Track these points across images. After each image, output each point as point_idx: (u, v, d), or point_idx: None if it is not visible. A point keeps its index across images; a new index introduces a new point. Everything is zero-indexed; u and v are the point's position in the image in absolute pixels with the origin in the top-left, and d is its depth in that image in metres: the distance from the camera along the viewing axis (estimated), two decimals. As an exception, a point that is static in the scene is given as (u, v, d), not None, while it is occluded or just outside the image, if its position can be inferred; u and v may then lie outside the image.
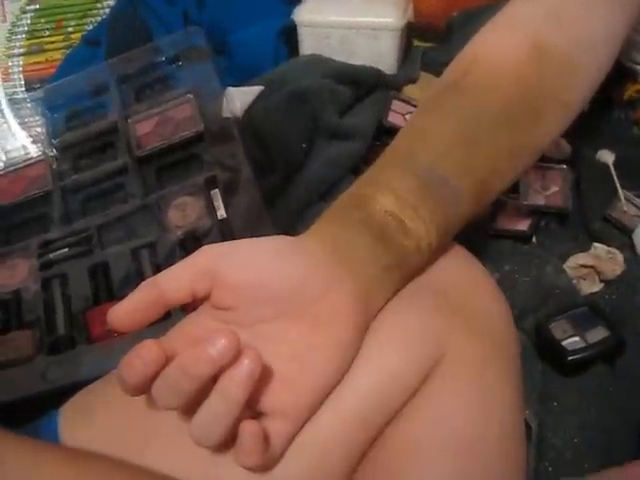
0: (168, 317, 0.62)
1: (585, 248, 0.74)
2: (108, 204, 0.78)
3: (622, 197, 0.78)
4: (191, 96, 0.80)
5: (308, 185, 0.76)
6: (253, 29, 0.89)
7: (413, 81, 0.88)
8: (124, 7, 0.92)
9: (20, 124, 0.90)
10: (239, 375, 0.42)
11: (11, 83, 0.94)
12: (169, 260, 0.72)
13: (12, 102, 0.93)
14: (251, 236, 0.66)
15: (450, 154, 0.55)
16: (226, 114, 0.79)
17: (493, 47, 0.61)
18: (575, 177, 0.81)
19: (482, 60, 0.60)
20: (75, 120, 0.85)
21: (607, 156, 0.82)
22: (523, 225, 0.77)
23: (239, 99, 0.81)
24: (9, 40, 0.95)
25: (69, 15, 0.96)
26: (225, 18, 0.90)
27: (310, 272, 0.47)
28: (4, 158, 0.85)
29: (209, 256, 0.48)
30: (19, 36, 0.95)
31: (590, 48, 0.62)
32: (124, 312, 0.45)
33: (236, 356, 0.43)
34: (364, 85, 0.83)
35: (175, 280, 0.47)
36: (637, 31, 0.86)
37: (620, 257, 0.72)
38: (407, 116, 0.84)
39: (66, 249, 0.75)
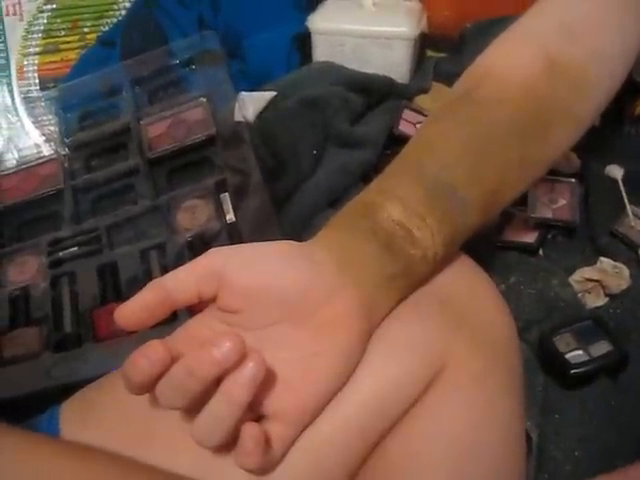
0: (175, 318, 0.63)
1: (591, 262, 0.74)
2: (118, 204, 0.78)
3: (630, 212, 0.78)
4: (204, 100, 0.81)
5: (318, 192, 0.76)
6: (267, 35, 0.90)
7: (425, 91, 0.89)
8: (140, 9, 0.93)
9: (34, 123, 0.90)
10: (243, 378, 0.43)
11: (26, 82, 0.95)
12: (177, 262, 0.72)
13: (26, 100, 0.93)
14: (259, 240, 0.67)
15: (459, 164, 0.55)
16: (238, 118, 0.80)
17: (505, 60, 0.61)
18: (583, 191, 0.82)
19: (494, 72, 0.60)
20: (88, 120, 0.85)
21: (616, 171, 0.82)
22: (530, 237, 0.77)
23: (251, 104, 0.82)
24: (25, 39, 0.96)
25: (85, 15, 0.97)
26: (239, 23, 0.91)
27: (315, 278, 0.48)
28: (17, 156, 0.86)
29: (216, 258, 0.48)
30: (35, 35, 0.96)
31: (603, 61, 0.62)
32: (131, 311, 0.46)
33: (241, 359, 0.43)
34: (376, 94, 0.84)
35: (182, 281, 0.47)
36: (649, 47, 0.86)
37: (626, 272, 0.72)
38: (418, 125, 0.85)
39: (76, 248, 0.75)
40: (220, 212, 0.75)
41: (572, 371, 0.63)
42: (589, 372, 0.63)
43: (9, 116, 0.90)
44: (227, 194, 0.75)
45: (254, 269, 0.48)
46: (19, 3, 0.95)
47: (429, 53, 1.01)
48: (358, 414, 0.48)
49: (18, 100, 0.93)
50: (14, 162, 0.84)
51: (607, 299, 0.71)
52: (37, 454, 0.45)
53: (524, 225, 0.78)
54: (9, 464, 0.43)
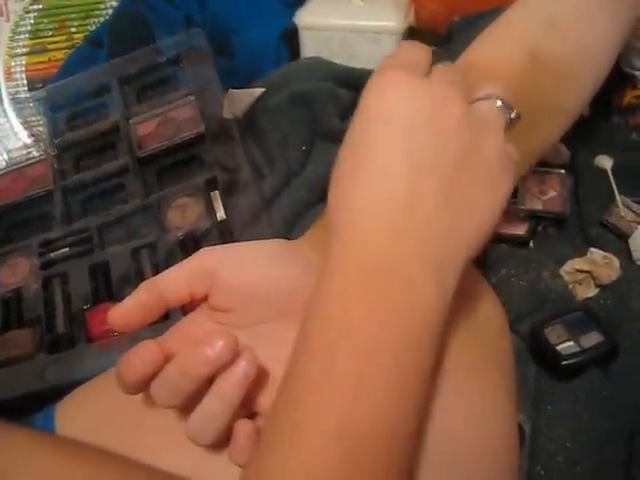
0: (167, 317, 0.63)
1: (582, 253, 0.74)
2: (109, 204, 0.79)
3: (620, 203, 0.78)
4: (192, 97, 0.81)
5: (308, 187, 0.76)
6: (255, 31, 0.90)
7: (413, 85, 0.89)
8: (127, 8, 0.93)
9: (22, 123, 0.90)
10: (235, 376, 0.44)
11: (14, 82, 0.95)
12: (169, 260, 0.72)
13: (14, 101, 0.93)
14: (250, 237, 0.67)
15: None
16: (227, 115, 0.80)
17: (490, 53, 0.61)
18: (573, 182, 0.82)
19: (479, 66, 0.60)
20: (77, 120, 0.86)
21: (605, 161, 0.82)
22: (521, 229, 0.77)
23: (240, 101, 0.82)
24: (12, 40, 0.95)
25: (72, 15, 0.97)
26: (227, 20, 0.91)
27: (304, 276, 0.48)
28: (6, 157, 0.86)
29: (207, 258, 0.49)
30: (22, 36, 0.95)
31: (587, 55, 0.63)
32: (124, 312, 0.46)
33: (233, 357, 0.44)
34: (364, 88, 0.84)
35: (174, 281, 0.48)
36: (637, 37, 0.87)
37: (616, 262, 0.72)
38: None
39: (67, 248, 0.75)
40: (211, 210, 0.75)
41: (563, 362, 0.63)
42: (580, 363, 0.63)
43: (-2, 117, 0.90)
44: (217, 192, 0.75)
45: (245, 268, 0.48)
46: (5, 4, 0.95)
47: (417, 47, 1.01)
48: None
49: (6, 101, 0.93)
50: (3, 164, 0.84)
51: (597, 290, 0.71)
52: (32, 449, 0.45)
53: (514, 217, 0.78)
54: (5, 461, 0.43)
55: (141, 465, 0.48)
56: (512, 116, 0.46)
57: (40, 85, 0.93)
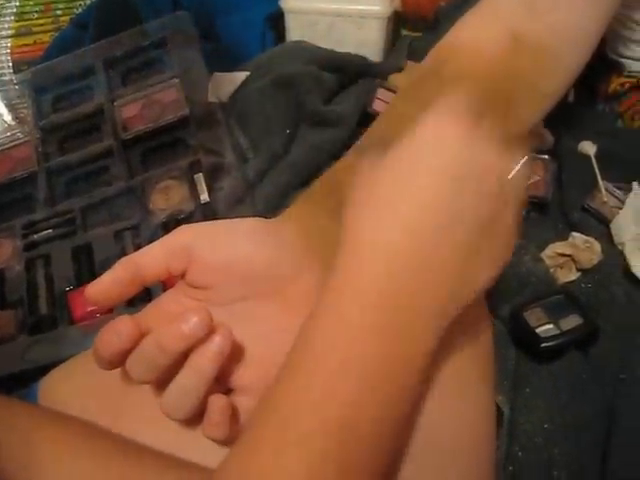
0: (149, 298, 0.64)
1: (564, 237, 0.75)
2: (93, 186, 0.78)
3: (602, 188, 0.78)
4: (177, 80, 0.81)
5: (291, 170, 0.76)
6: (241, 15, 0.90)
7: (399, 70, 0.89)
8: (113, -10, 0.92)
9: (7, 105, 0.90)
10: (210, 350, 0.44)
11: (-1, 65, 0.94)
12: (151, 242, 0.72)
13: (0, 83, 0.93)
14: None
15: None
16: (211, 99, 0.80)
17: (471, 36, 0.61)
18: (557, 167, 0.82)
19: (461, 48, 0.60)
20: (62, 102, 0.85)
21: (589, 147, 0.82)
22: (503, 214, 0.77)
23: (225, 84, 0.82)
24: (-3, 22, 0.95)
25: (58, -3, 0.96)
26: (213, 3, 0.91)
27: (282, 255, 0.49)
28: (-10, 139, 0.85)
29: (185, 235, 0.49)
30: (7, 18, 0.95)
31: (568, 38, 0.63)
32: (102, 287, 0.47)
33: (208, 333, 0.44)
34: (349, 72, 0.84)
35: (152, 257, 0.48)
36: (623, 24, 0.87)
37: (597, 247, 0.72)
38: (392, 104, 0.85)
39: (50, 230, 0.75)
40: (194, 192, 0.75)
41: (542, 345, 0.63)
42: (559, 346, 0.63)
43: (-18, 99, 0.90)
44: (201, 174, 0.75)
45: (222, 245, 0.48)
46: (-10, -14, 0.94)
47: (404, 33, 1.01)
48: None
49: (-9, 83, 0.93)
50: (-12, 145, 0.84)
51: (579, 274, 0.71)
52: (18, 418, 0.46)
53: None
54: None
55: (123, 439, 0.49)
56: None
57: (25, 67, 0.93)
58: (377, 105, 0.84)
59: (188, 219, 0.73)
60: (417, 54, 0.92)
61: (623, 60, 0.90)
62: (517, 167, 0.44)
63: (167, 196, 0.75)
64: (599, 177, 0.79)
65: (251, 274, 0.48)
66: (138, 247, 0.73)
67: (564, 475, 0.57)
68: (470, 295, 0.43)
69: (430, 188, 0.42)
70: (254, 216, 0.70)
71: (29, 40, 0.95)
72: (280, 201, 0.75)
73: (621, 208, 0.76)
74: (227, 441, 0.47)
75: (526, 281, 0.70)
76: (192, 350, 0.45)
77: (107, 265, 0.71)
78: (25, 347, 0.68)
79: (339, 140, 0.78)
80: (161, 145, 0.79)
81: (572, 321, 0.65)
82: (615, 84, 0.91)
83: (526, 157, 0.45)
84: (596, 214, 0.77)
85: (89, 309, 0.69)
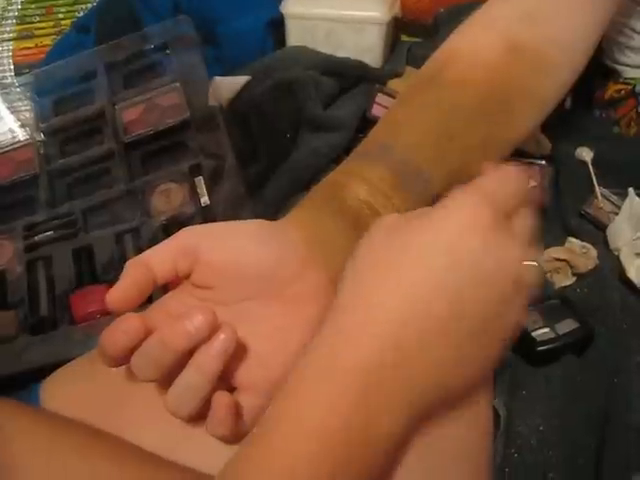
0: (150, 301, 0.65)
1: (561, 242, 0.75)
2: (94, 189, 0.79)
3: (599, 194, 0.79)
4: (178, 84, 0.81)
5: (292, 175, 0.77)
6: (242, 20, 0.90)
7: (398, 75, 0.90)
8: (115, -5, 0.93)
9: (8, 108, 0.90)
10: (215, 349, 0.45)
11: (0, 68, 0.95)
12: (152, 245, 0.72)
13: (0, 87, 0.93)
14: (233, 223, 0.68)
15: (424, 146, 0.57)
16: (212, 103, 0.80)
17: (469, 44, 0.62)
18: (554, 173, 0.83)
19: (459, 56, 0.62)
20: (63, 105, 0.86)
21: (586, 153, 0.83)
22: (500, 218, 0.78)
23: (225, 89, 0.82)
24: (-1, 25, 0.96)
25: (60, 2, 0.97)
26: (214, 9, 0.91)
27: (285, 255, 0.50)
28: (-9, 141, 0.86)
29: (190, 236, 0.50)
30: (9, 21, 0.96)
31: (565, 46, 0.64)
32: (122, 292, 0.47)
33: (213, 332, 0.45)
34: (349, 77, 0.85)
35: (160, 258, 0.49)
36: (619, 31, 0.88)
37: (594, 252, 0.73)
38: (391, 109, 0.85)
39: (51, 232, 0.76)
40: (194, 196, 0.75)
41: (538, 348, 0.64)
42: (555, 349, 0.64)
43: (-16, 102, 0.90)
44: (202, 178, 0.76)
45: (226, 246, 0.49)
46: (-8, -11, 0.95)
47: (403, 38, 1.02)
48: None
49: (-7, 86, 0.93)
50: (-12, 148, 0.84)
51: (575, 278, 0.72)
52: (15, 421, 0.46)
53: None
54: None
55: (124, 443, 0.49)
56: None
57: (27, 71, 0.93)
58: (376, 110, 0.85)
59: (188, 222, 0.74)
60: (416, 60, 0.93)
61: (619, 67, 0.91)
62: (533, 263, 0.45)
63: (167, 199, 0.75)
64: (596, 183, 0.80)
65: (255, 274, 0.49)
66: (139, 249, 0.73)
67: (558, 477, 0.58)
68: (458, 385, 0.44)
69: (446, 271, 0.41)
70: (254, 219, 0.71)
71: (30, 43, 0.96)
72: (280, 205, 0.75)
73: (617, 214, 0.77)
74: (230, 439, 0.47)
75: (523, 285, 0.71)
76: (196, 349, 0.46)
77: (108, 267, 0.73)
78: (24, 347, 0.68)
79: (339, 145, 0.79)
80: (162, 148, 0.80)
81: (568, 325, 0.65)
82: (611, 91, 0.92)
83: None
84: (592, 220, 0.78)
85: (90, 310, 0.70)
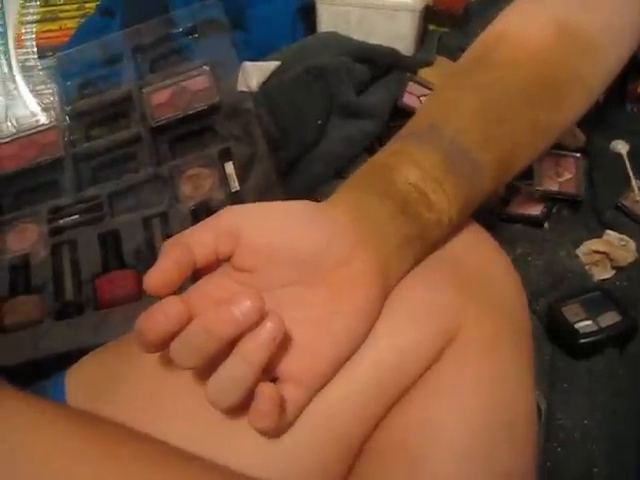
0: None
1: (596, 235, 0.74)
2: (120, 173, 0.77)
3: (635, 187, 0.78)
4: (207, 68, 0.80)
5: (323, 162, 0.75)
6: (272, 6, 0.89)
7: (429, 64, 0.88)
8: (141, -22, 0.92)
9: (31, 91, 0.89)
10: (262, 337, 0.42)
11: (24, 50, 0.93)
12: (180, 230, 0.71)
13: (24, 69, 0.92)
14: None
15: (473, 129, 0.55)
16: (241, 88, 0.79)
17: (519, 25, 0.61)
18: (588, 165, 0.81)
19: (507, 38, 0.60)
20: (88, 88, 0.84)
21: (621, 146, 0.82)
22: (536, 210, 0.77)
23: (255, 74, 0.81)
24: (23, 7, 0.94)
25: (84, -16, 0.95)
26: (243, -6, 0.90)
27: (334, 238, 0.47)
28: (15, 124, 0.84)
29: (233, 216, 0.47)
30: (33, 2, 0.94)
31: (613, 33, 0.62)
32: (161, 273, 0.44)
33: (259, 319, 0.43)
34: (381, 65, 0.83)
35: (200, 239, 0.46)
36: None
37: (632, 245, 0.72)
38: (422, 98, 0.84)
39: (77, 216, 0.74)
40: (224, 181, 0.74)
41: (581, 340, 0.62)
42: (598, 342, 0.63)
43: (7, 84, 0.89)
44: (231, 163, 0.74)
45: (271, 227, 0.47)
46: (17, -30, 0.93)
47: (431, 27, 1.00)
48: (373, 378, 0.48)
49: (15, 68, 0.92)
50: (13, 130, 0.83)
51: (614, 272, 0.71)
52: (45, 421, 0.44)
53: (530, 198, 0.78)
54: (15, 429, 0.41)
55: (153, 439, 0.47)
56: None
57: (50, 53, 0.91)
58: (407, 99, 0.84)
59: (218, 208, 0.72)
60: (447, 49, 0.91)
61: (652, 62, 0.89)
62: None
63: (196, 184, 0.74)
64: (632, 176, 0.79)
65: (300, 258, 0.46)
66: (166, 235, 0.72)
67: (604, 471, 0.56)
68: None
69: None
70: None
71: (54, 26, 0.94)
72: (312, 192, 0.74)
73: (653, 206, 0.75)
74: (273, 432, 0.45)
75: (562, 277, 0.69)
76: (239, 337, 0.43)
77: (135, 252, 0.71)
78: (47, 332, 0.67)
79: (372, 132, 0.77)
80: (190, 133, 0.78)
81: (610, 317, 0.64)
82: (644, 85, 0.91)
83: None
84: (629, 213, 0.76)
85: (116, 295, 0.68)
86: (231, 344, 0.44)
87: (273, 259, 0.46)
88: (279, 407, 0.44)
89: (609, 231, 0.73)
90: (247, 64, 0.81)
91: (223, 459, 0.46)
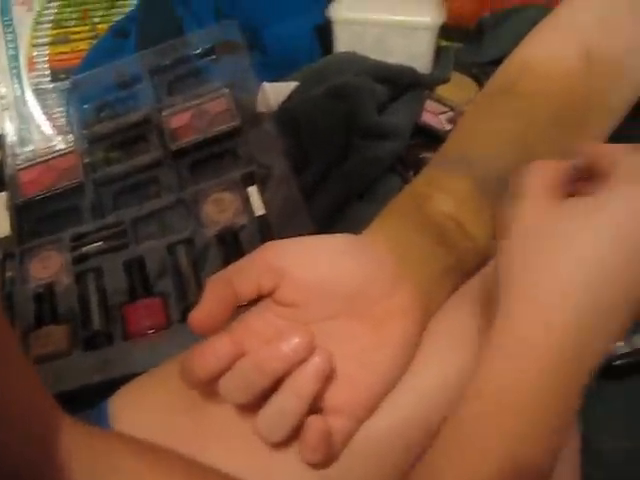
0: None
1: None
2: (141, 198, 0.77)
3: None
4: (227, 90, 0.80)
5: (347, 182, 0.75)
6: (287, 24, 0.88)
7: (446, 81, 0.88)
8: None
9: (45, 115, 0.88)
10: (311, 371, 0.44)
11: (36, 73, 0.93)
12: (206, 255, 0.71)
13: (37, 92, 0.91)
14: (290, 232, 0.66)
15: (504, 157, 0.56)
16: (261, 109, 0.79)
17: (543, 52, 0.61)
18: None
19: (533, 65, 0.60)
20: (106, 111, 0.84)
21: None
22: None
23: (274, 94, 0.80)
24: (34, 30, 0.93)
25: (96, 5, 0.95)
26: (258, 13, 0.89)
27: (374, 272, 0.48)
28: (31, 148, 0.83)
29: (275, 252, 0.48)
30: (45, 25, 0.94)
31: (636, 54, 0.63)
32: (206, 312, 0.45)
33: (308, 354, 0.44)
34: (400, 84, 0.83)
35: (244, 276, 0.47)
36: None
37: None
38: (440, 116, 0.84)
39: (100, 243, 0.73)
40: (247, 205, 0.73)
41: (615, 363, 0.62)
42: (631, 363, 0.62)
43: (20, 107, 0.88)
44: (255, 186, 0.74)
45: (314, 262, 0.48)
46: (28, -7, 0.93)
47: (443, 43, 1.00)
48: (417, 407, 0.49)
49: (28, 92, 0.91)
50: (29, 155, 0.82)
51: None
52: (110, 452, 0.44)
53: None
54: (82, 462, 0.41)
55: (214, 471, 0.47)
56: None
57: (63, 76, 0.91)
58: (426, 117, 0.84)
59: (243, 232, 0.72)
60: (461, 65, 0.91)
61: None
62: None
63: (220, 208, 0.73)
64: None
65: (344, 292, 0.47)
66: (192, 260, 0.71)
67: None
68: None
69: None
70: (312, 228, 0.70)
71: (66, 48, 0.94)
72: (336, 212, 0.74)
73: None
74: (322, 465, 0.46)
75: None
76: (289, 372, 0.44)
77: (161, 278, 0.71)
78: (80, 363, 0.66)
79: (395, 152, 0.77)
80: (211, 156, 0.78)
81: (644, 339, 0.64)
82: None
83: None
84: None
85: (145, 324, 0.68)
86: (278, 380, 0.45)
87: (316, 294, 0.47)
88: (328, 440, 0.45)
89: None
90: (265, 84, 0.81)
91: None
